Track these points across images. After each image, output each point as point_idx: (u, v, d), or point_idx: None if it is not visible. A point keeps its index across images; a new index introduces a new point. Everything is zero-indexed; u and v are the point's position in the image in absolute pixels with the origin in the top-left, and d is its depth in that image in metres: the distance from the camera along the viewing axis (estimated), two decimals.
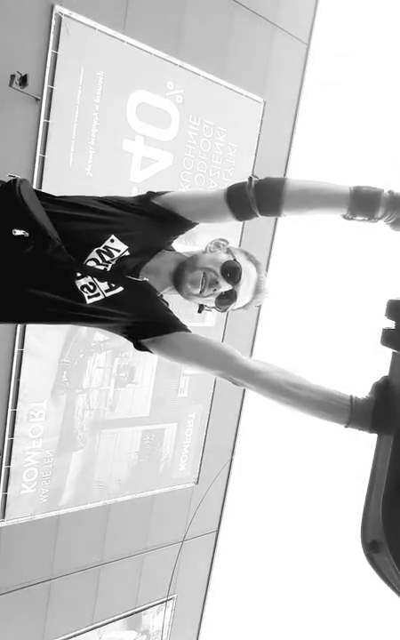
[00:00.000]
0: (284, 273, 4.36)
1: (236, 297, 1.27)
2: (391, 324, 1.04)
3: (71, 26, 2.85)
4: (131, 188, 3.33)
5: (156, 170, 3.41)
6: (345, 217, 1.19)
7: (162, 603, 4.64)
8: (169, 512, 4.37)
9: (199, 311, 1.35)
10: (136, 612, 4.48)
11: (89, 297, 1.25)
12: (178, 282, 1.32)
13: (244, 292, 1.29)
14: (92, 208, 1.29)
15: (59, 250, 1.20)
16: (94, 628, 4.24)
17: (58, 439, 3.47)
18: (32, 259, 1.19)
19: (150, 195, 1.34)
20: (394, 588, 1.00)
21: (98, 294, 1.25)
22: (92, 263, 1.24)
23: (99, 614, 4.24)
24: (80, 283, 1.23)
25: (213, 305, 1.31)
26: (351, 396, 1.14)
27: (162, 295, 1.38)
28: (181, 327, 1.32)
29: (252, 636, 5.71)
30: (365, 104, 4.24)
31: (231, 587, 5.25)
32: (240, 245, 3.99)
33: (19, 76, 2.69)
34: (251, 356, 4.56)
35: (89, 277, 1.24)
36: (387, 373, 1.11)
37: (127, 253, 1.26)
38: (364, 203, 1.13)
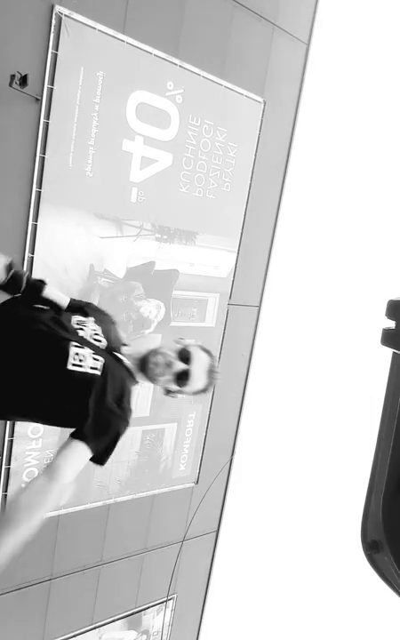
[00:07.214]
0: (284, 272, 4.36)
1: (189, 376, 1.52)
2: (391, 324, 1.05)
3: (71, 26, 2.85)
4: (130, 188, 3.33)
5: (156, 170, 3.41)
6: None
7: (162, 603, 4.64)
8: (169, 512, 4.37)
9: (166, 394, 1.61)
10: (136, 612, 4.48)
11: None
12: (143, 366, 1.56)
13: (199, 371, 1.54)
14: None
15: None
16: (94, 627, 4.24)
17: (58, 439, 3.47)
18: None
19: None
20: (394, 588, 1.01)
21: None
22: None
23: (99, 614, 4.24)
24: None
25: (174, 385, 1.55)
26: None
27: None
28: (83, 436, 1.43)
29: (251, 635, 5.71)
30: (365, 104, 4.25)
31: (231, 587, 5.25)
32: (240, 244, 4.02)
33: (19, 76, 2.69)
34: (250, 358, 4.57)
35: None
36: (387, 373, 1.11)
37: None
38: None
